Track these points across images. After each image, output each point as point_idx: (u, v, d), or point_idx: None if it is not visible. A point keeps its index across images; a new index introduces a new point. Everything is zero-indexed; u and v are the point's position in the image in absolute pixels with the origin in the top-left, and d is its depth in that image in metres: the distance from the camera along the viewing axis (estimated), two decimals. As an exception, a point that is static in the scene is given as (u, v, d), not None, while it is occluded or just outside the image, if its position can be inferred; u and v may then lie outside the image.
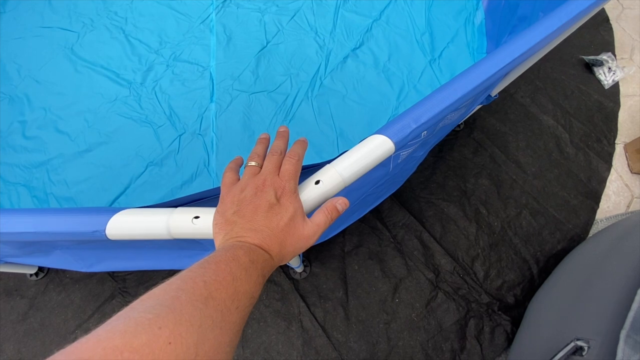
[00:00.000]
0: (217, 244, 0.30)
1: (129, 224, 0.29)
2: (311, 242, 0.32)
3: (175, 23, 1.07)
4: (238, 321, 0.23)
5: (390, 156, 0.53)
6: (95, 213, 0.29)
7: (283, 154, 0.35)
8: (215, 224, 0.30)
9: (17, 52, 1.02)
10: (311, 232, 0.32)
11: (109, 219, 0.29)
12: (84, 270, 0.69)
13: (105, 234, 0.29)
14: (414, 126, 0.34)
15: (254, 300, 0.26)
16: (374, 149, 0.35)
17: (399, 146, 0.35)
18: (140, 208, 0.31)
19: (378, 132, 0.35)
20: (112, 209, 0.30)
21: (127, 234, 0.30)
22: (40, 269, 0.86)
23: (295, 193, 0.33)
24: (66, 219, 0.29)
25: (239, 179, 0.34)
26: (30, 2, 1.09)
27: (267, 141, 0.38)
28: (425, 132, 0.48)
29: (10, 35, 1.05)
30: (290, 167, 0.34)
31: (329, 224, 0.33)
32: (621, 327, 0.54)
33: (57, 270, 0.87)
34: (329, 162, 0.35)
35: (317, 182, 0.33)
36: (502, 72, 0.38)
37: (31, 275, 0.85)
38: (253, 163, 0.35)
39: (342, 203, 0.34)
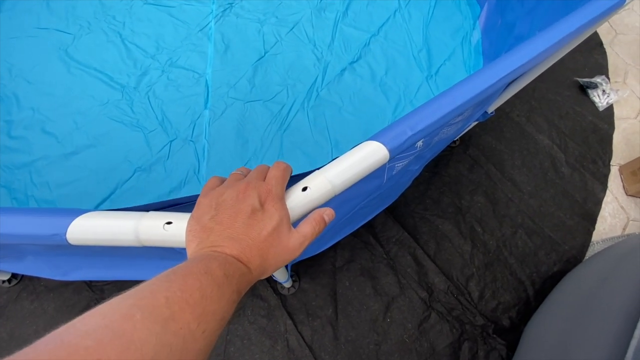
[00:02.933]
0: (189, 253, 0.26)
1: (92, 228, 0.26)
2: (296, 254, 0.29)
3: (173, 30, 1.06)
4: (203, 349, 0.19)
5: (385, 167, 0.51)
6: (56, 214, 0.26)
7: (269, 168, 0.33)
8: (189, 230, 0.27)
9: (10, 52, 1.01)
10: (297, 243, 0.29)
11: (70, 222, 0.26)
12: (58, 278, 0.64)
13: (65, 238, 0.26)
14: (410, 133, 0.33)
15: (224, 322, 0.22)
16: (367, 156, 0.33)
17: (394, 154, 0.33)
18: (108, 211, 0.28)
19: (372, 138, 0.33)
20: (75, 211, 0.27)
21: (91, 239, 0.27)
22: (14, 275, 0.82)
23: (282, 199, 0.30)
24: (22, 219, 0.26)
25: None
26: (28, 3, 1.08)
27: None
28: (421, 142, 0.46)
29: (4, 35, 1.03)
30: (277, 172, 0.31)
31: (315, 236, 0.30)
32: (623, 354, 0.51)
33: (31, 277, 0.82)
34: (319, 169, 0.33)
35: (305, 189, 0.31)
36: (502, 82, 0.37)
37: (3, 281, 0.81)
38: (238, 171, 0.33)
39: (329, 214, 0.31)
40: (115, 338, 0.16)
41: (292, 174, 0.34)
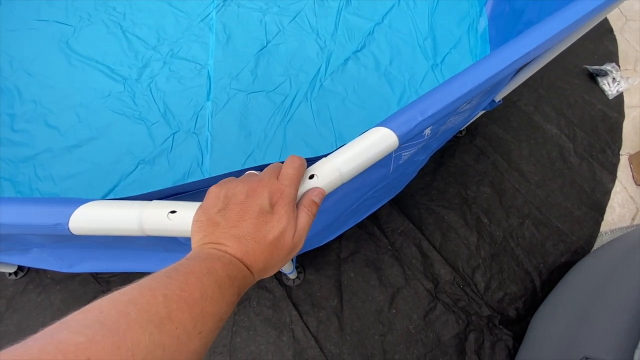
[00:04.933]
0: (193, 244, 0.26)
1: (95, 217, 0.26)
2: (296, 252, 0.28)
3: (174, 20, 1.05)
4: (198, 349, 0.19)
5: (392, 156, 0.50)
6: (58, 204, 0.26)
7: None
8: (196, 220, 0.26)
9: (10, 44, 1.00)
10: (298, 241, 0.28)
11: (72, 211, 0.26)
12: (63, 270, 0.65)
13: (68, 228, 0.26)
14: (421, 119, 0.31)
15: (222, 323, 0.22)
16: (376, 142, 0.32)
17: (403, 140, 0.32)
18: (111, 200, 0.28)
19: (381, 124, 0.32)
20: (77, 200, 0.26)
21: (94, 228, 0.26)
22: (20, 268, 0.82)
23: (293, 202, 0.28)
24: (24, 209, 0.25)
25: None
26: (27, -5, 1.06)
27: None
28: (429, 130, 0.45)
29: (4, 27, 1.02)
30: (291, 171, 0.29)
31: (312, 222, 0.29)
32: (634, 345, 0.51)
33: (37, 270, 0.83)
34: (326, 155, 0.32)
35: (312, 177, 0.30)
36: (514, 66, 0.36)
37: (10, 274, 0.81)
38: (253, 171, 0.32)
39: (317, 194, 0.30)
40: (108, 335, 0.16)
41: None
